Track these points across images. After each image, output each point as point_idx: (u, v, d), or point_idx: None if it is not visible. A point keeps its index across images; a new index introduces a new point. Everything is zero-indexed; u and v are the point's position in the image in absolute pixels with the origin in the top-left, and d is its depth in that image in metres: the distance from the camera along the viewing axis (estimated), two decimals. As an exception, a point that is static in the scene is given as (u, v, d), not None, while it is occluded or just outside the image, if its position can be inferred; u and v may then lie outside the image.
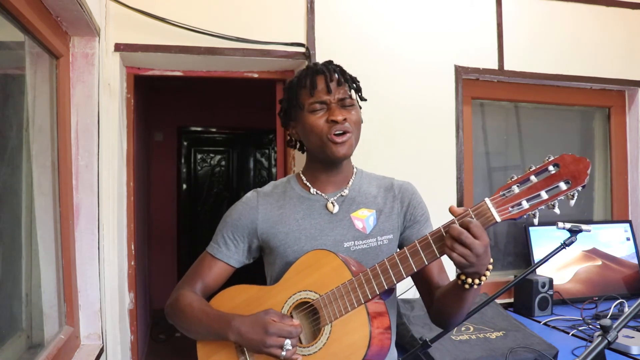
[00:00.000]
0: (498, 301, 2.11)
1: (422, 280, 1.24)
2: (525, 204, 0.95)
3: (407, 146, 2.27)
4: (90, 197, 1.86)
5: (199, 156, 5.68)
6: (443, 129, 2.33)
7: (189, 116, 5.39)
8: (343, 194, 1.26)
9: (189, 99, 5.17)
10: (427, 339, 1.53)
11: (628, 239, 2.57)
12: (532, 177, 0.95)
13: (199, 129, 5.61)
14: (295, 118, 1.25)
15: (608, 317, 2.02)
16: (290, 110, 1.25)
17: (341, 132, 1.17)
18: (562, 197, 0.93)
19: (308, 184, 1.28)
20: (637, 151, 2.71)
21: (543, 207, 0.94)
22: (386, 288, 1.05)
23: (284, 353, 1.04)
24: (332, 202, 1.24)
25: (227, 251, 1.27)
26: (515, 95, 2.58)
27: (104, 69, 1.93)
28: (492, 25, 2.41)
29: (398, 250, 1.28)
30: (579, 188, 0.92)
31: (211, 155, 5.73)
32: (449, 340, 1.69)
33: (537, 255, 2.38)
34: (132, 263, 2.17)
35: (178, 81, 4.32)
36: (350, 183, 1.28)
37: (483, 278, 1.00)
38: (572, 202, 0.93)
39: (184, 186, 5.59)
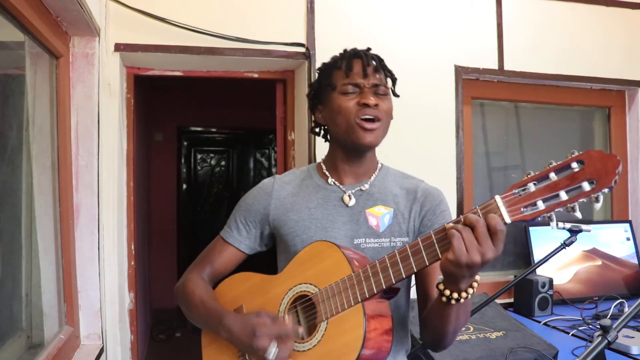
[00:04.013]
0: (498, 301, 2.11)
1: (421, 291, 1.17)
2: (541, 205, 0.83)
3: (407, 146, 2.26)
4: (90, 197, 1.86)
5: (199, 156, 5.69)
6: (443, 129, 2.33)
7: (189, 116, 5.39)
8: (363, 188, 1.20)
9: (189, 99, 5.17)
10: (427, 339, 1.53)
11: (628, 239, 2.57)
12: (552, 175, 0.83)
13: (199, 129, 5.62)
14: (324, 100, 1.20)
15: (608, 317, 2.02)
16: (320, 91, 1.21)
17: (371, 117, 1.12)
18: (585, 200, 0.81)
19: (327, 173, 1.23)
20: (637, 151, 2.71)
21: (561, 209, 0.83)
22: (384, 287, 0.98)
23: (270, 358, 1.00)
24: (349, 195, 1.19)
25: (239, 236, 1.25)
26: (515, 95, 2.58)
27: (104, 69, 1.93)
28: (492, 25, 2.41)
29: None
30: (605, 190, 0.79)
31: (211, 155, 5.73)
32: (449, 340, 1.68)
33: (537, 255, 2.38)
34: (132, 263, 2.17)
35: (178, 81, 4.32)
36: (372, 178, 1.22)
37: (463, 294, 0.91)
38: (598, 206, 0.80)
39: (184, 186, 5.59)
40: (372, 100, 1.12)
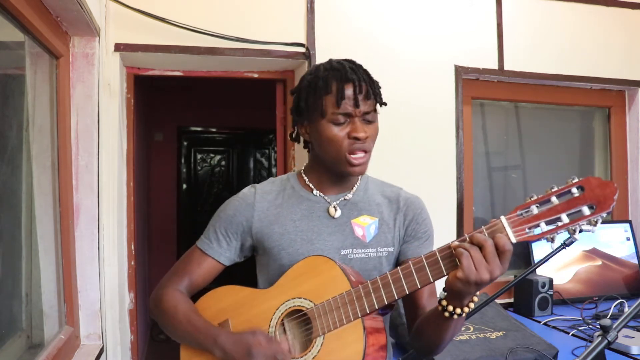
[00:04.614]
0: (498, 301, 2.11)
1: (410, 301, 1.18)
2: (544, 227, 0.88)
3: (407, 146, 2.27)
4: (90, 197, 1.86)
5: (199, 156, 5.68)
6: (443, 129, 2.33)
7: (189, 116, 5.39)
8: (346, 197, 1.20)
9: (189, 99, 5.17)
10: (427, 339, 1.52)
11: (628, 239, 2.57)
12: (553, 198, 0.88)
13: (199, 129, 5.61)
14: (310, 121, 1.15)
15: (608, 317, 2.02)
16: (307, 112, 1.15)
17: (360, 150, 1.11)
18: (584, 222, 0.87)
19: (311, 185, 1.21)
20: (637, 151, 2.71)
21: (563, 231, 0.88)
22: (386, 303, 0.99)
23: None
24: (334, 206, 1.18)
25: (219, 248, 1.21)
26: (515, 95, 2.58)
27: (104, 69, 1.93)
28: (492, 25, 2.41)
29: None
30: (604, 214, 0.85)
31: (211, 155, 5.73)
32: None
33: (537, 255, 2.38)
34: (132, 263, 2.17)
35: (178, 81, 4.32)
36: (355, 188, 1.22)
37: (465, 309, 0.95)
38: (594, 229, 0.87)
39: (184, 186, 5.60)
40: (362, 134, 1.09)
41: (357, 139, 1.09)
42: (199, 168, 5.69)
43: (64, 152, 1.77)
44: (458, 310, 0.95)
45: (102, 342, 1.89)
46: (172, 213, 5.37)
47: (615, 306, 2.09)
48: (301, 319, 1.08)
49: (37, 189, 1.63)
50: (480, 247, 0.89)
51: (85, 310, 1.86)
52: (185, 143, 5.59)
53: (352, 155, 1.11)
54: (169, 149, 5.39)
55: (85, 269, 1.86)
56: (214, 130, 5.68)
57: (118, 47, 1.98)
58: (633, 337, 1.76)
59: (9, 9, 1.29)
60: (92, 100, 1.86)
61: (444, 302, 0.96)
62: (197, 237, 1.29)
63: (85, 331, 1.86)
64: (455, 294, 0.93)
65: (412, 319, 1.17)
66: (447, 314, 0.96)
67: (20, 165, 1.55)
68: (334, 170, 1.17)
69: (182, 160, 5.58)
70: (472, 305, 0.95)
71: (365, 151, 1.12)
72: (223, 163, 5.77)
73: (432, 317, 1.03)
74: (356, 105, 1.09)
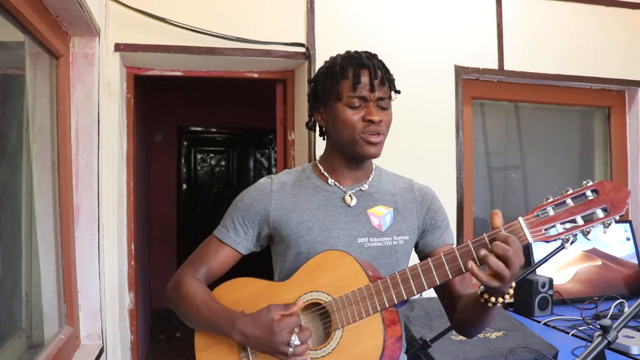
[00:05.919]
0: (498, 301, 2.10)
1: (442, 288, 1.20)
2: (560, 228, 0.93)
3: (407, 146, 2.26)
4: (90, 197, 1.86)
5: (199, 156, 5.68)
6: (443, 129, 2.33)
7: (189, 116, 5.38)
8: (362, 188, 1.22)
9: (189, 99, 5.16)
10: (427, 339, 1.53)
11: (628, 239, 2.57)
12: (568, 201, 0.93)
13: (199, 129, 5.61)
14: (327, 106, 1.20)
15: (608, 317, 2.02)
16: (324, 96, 1.20)
17: (375, 132, 1.14)
18: (598, 225, 0.91)
19: (326, 174, 1.24)
20: (637, 151, 2.71)
21: (577, 232, 0.92)
22: (405, 299, 1.03)
23: (291, 349, 1.02)
24: (350, 195, 1.21)
25: (236, 237, 1.23)
26: (515, 95, 2.58)
27: (104, 69, 1.93)
28: (492, 25, 2.41)
29: (415, 252, 1.28)
30: (617, 217, 0.90)
31: (211, 155, 5.73)
32: (449, 340, 1.69)
33: (537, 255, 2.38)
34: (132, 263, 2.17)
35: (178, 81, 4.32)
36: (370, 179, 1.25)
37: (506, 297, 0.99)
38: (607, 231, 0.92)
39: (184, 186, 5.59)
40: (376, 117, 1.13)
41: (371, 121, 1.13)
42: (199, 168, 5.69)
43: (64, 152, 1.77)
44: (500, 300, 0.98)
45: (102, 342, 1.89)
46: (172, 213, 5.37)
47: (615, 306, 2.09)
48: (319, 312, 1.10)
49: (37, 189, 1.63)
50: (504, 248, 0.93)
51: (85, 310, 1.86)
52: (185, 143, 5.58)
53: (369, 135, 1.14)
54: (169, 149, 5.38)
55: (85, 269, 1.86)
56: (214, 130, 5.67)
57: (118, 47, 1.98)
58: (633, 337, 1.76)
59: (9, 9, 1.29)
60: (92, 100, 1.86)
61: (486, 296, 0.99)
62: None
63: (85, 331, 1.87)
64: (494, 290, 0.96)
65: (449, 305, 1.22)
66: (490, 304, 0.99)
67: (20, 165, 1.55)
68: (350, 154, 1.19)
69: (182, 160, 5.58)
70: (511, 291, 0.98)
71: (379, 134, 1.15)
72: (223, 163, 5.76)
73: (474, 307, 1.07)
74: (372, 89, 1.14)
